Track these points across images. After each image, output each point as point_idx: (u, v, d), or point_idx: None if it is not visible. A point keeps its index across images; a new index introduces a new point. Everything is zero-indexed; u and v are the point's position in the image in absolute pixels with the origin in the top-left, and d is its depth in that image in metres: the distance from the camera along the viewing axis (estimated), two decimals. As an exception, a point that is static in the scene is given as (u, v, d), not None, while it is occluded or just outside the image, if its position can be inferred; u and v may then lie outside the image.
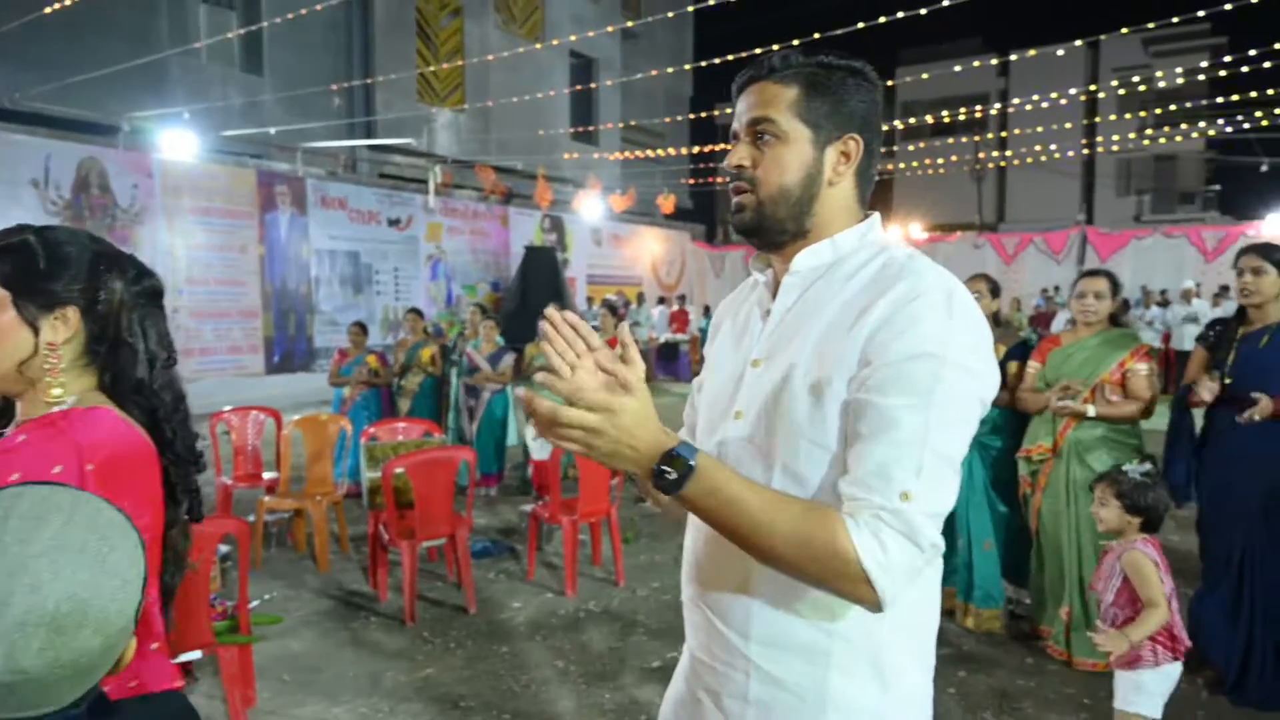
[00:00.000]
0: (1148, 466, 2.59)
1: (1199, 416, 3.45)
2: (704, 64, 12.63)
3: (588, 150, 18.87)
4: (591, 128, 18.26)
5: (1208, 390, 3.17)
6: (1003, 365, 3.84)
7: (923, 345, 1.02)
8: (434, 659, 3.72)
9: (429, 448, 4.63)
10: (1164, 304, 12.84)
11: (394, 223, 13.50)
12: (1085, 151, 23.70)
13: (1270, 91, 14.41)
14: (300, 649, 3.84)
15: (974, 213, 26.21)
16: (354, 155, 14.30)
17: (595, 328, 7.20)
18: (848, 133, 1.17)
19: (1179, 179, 27.88)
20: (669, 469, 0.98)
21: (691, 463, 0.98)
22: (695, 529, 1.24)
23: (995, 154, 24.07)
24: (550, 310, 1.07)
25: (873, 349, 1.05)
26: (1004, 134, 23.99)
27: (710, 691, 1.20)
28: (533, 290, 12.56)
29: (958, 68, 15.79)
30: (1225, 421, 3.19)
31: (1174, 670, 2.47)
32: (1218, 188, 28.18)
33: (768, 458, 1.12)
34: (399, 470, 4.12)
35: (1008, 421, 3.84)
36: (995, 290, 3.99)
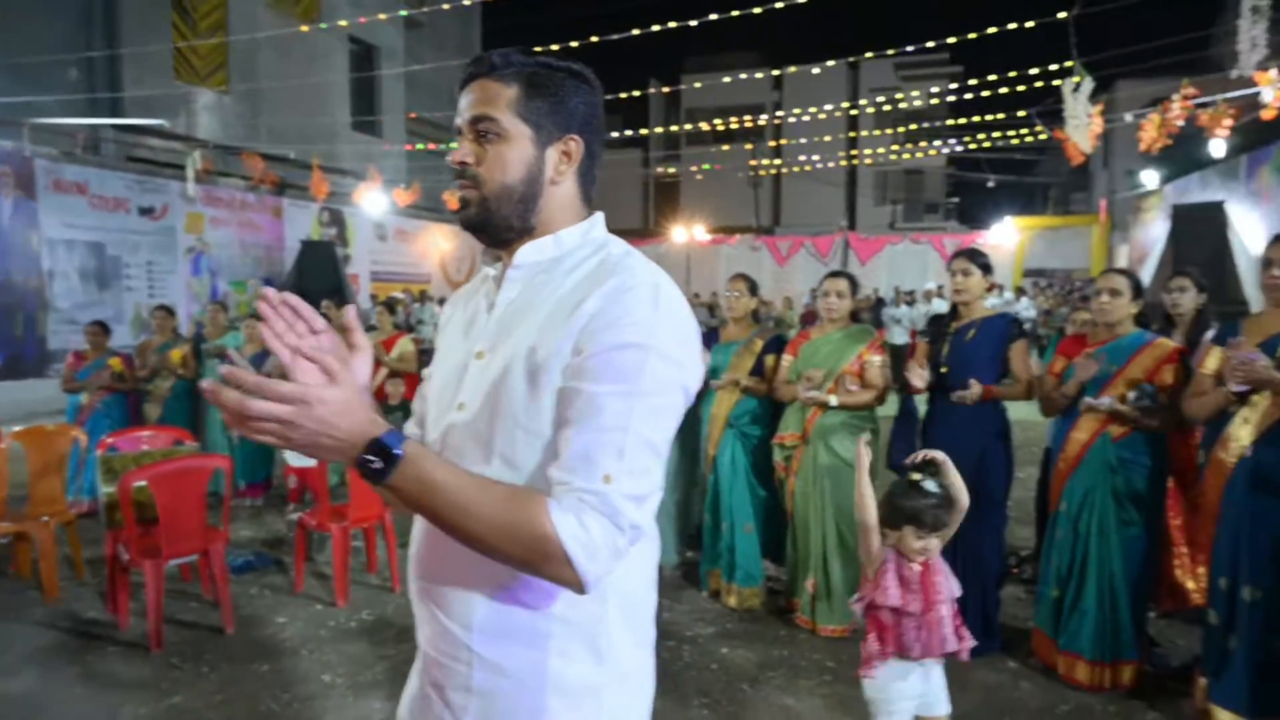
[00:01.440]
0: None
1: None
2: (490, 58, 12.45)
3: (369, 141, 18.08)
4: (373, 118, 17.51)
5: (918, 378, 3.58)
6: (761, 359, 4.12)
7: (630, 336, 1.08)
8: (182, 686, 3.42)
9: (178, 456, 4.25)
10: (911, 303, 14.28)
11: (146, 211, 12.23)
12: (848, 163, 25.85)
13: (995, 117, 16.46)
14: (20, 690, 3.40)
15: (752, 216, 27.82)
16: (96, 135, 12.79)
17: (371, 327, 6.93)
18: (568, 133, 1.21)
19: (925, 191, 31.12)
20: (374, 458, 0.97)
21: (397, 451, 0.97)
22: (419, 522, 1.24)
23: (770, 162, 25.67)
24: (266, 290, 1.04)
25: (584, 338, 1.09)
26: (778, 143, 25.62)
27: (436, 685, 1.21)
28: (310, 287, 11.84)
29: (727, 79, 16.63)
30: (944, 404, 3.62)
31: (890, 678, 2.38)
32: (956, 200, 31.78)
33: (487, 447, 1.14)
34: (139, 483, 3.75)
35: (766, 411, 4.12)
36: (753, 289, 4.27)
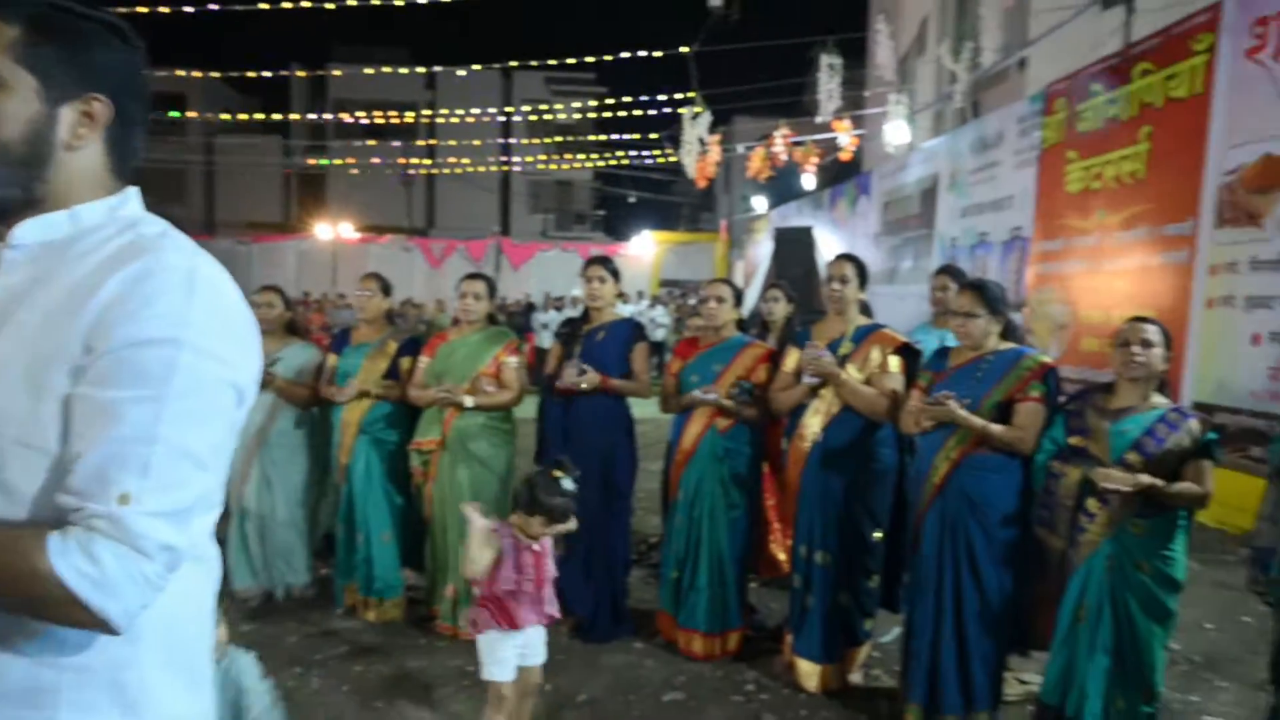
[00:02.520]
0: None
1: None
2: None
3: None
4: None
5: (571, 377, 3.68)
6: (396, 361, 3.97)
7: (154, 329, 0.93)
8: None
9: None
10: (560, 308, 14.88)
11: None
12: (502, 169, 26.24)
13: (633, 136, 17.76)
14: None
15: (405, 216, 27.08)
16: None
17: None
18: (91, 91, 1.02)
19: (575, 202, 32.65)
20: None
21: None
22: None
23: (422, 161, 25.19)
24: None
25: (97, 334, 0.92)
26: (431, 143, 25.23)
27: None
28: None
29: (369, 70, 16.05)
30: (578, 404, 3.78)
31: (497, 638, 2.69)
32: (603, 213, 33.78)
33: None
34: None
35: (402, 415, 3.98)
36: (386, 288, 4.11)
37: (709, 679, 3.51)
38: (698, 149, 11.93)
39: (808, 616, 3.38)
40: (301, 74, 21.95)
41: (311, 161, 26.15)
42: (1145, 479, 2.54)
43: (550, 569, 2.75)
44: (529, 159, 26.00)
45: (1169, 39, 6.60)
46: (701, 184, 12.91)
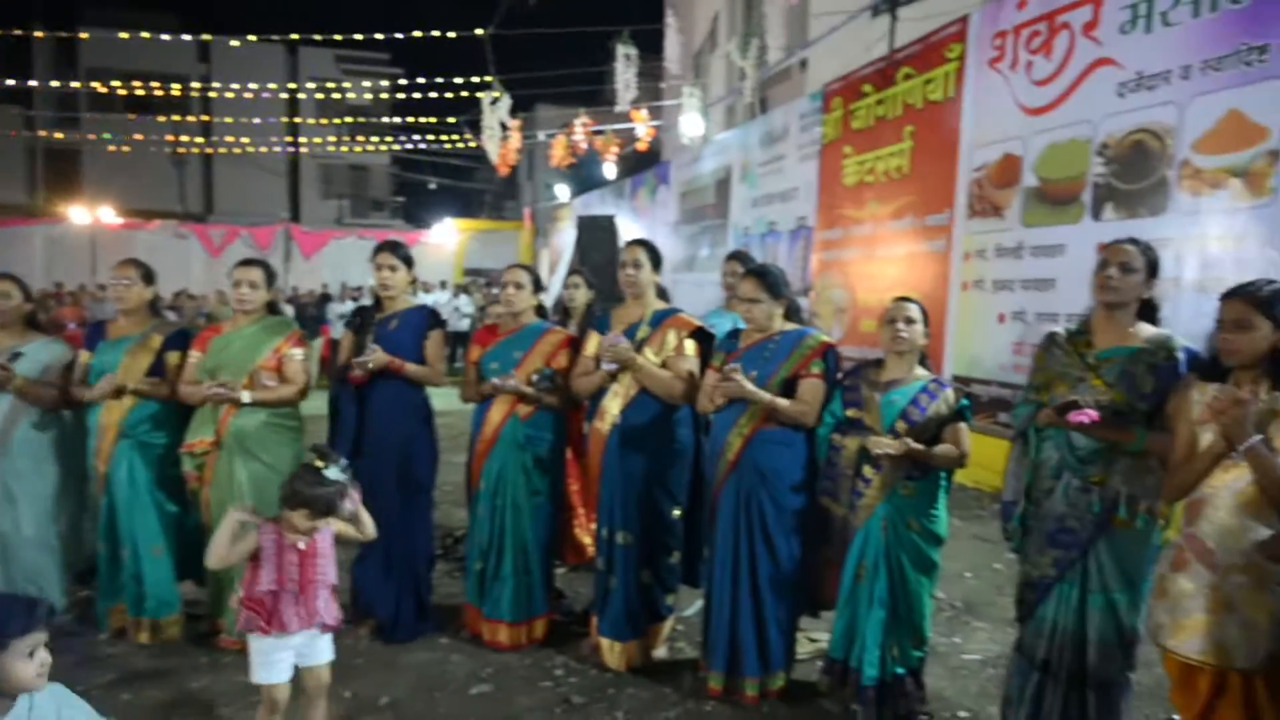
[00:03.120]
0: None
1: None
2: None
3: None
4: None
5: (362, 367, 3.49)
6: (161, 356, 3.61)
7: None
8: None
9: None
10: (356, 298, 14.19)
11: None
12: (288, 150, 24.57)
13: (431, 120, 17.20)
14: None
15: (178, 200, 24.76)
16: None
17: None
18: None
19: (371, 188, 31.24)
20: None
21: None
22: None
23: (194, 139, 23.09)
24: None
25: None
26: (206, 119, 23.17)
27: None
28: None
29: (124, 35, 14.44)
30: (373, 395, 3.60)
31: (266, 641, 2.55)
32: (402, 199, 32.55)
33: None
34: None
35: (170, 415, 3.62)
36: (148, 276, 3.69)
37: (517, 668, 3.48)
38: (499, 135, 11.76)
39: (611, 596, 3.43)
40: (41, 35, 19.36)
41: (60, 136, 23.19)
42: (912, 444, 2.79)
43: (324, 571, 2.60)
44: (318, 141, 24.52)
45: (927, 46, 7.26)
46: (504, 171, 12.75)
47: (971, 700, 3.26)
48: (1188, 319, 3.63)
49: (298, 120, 24.76)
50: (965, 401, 2.96)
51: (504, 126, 11.93)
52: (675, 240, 12.91)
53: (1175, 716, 2.65)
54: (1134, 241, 2.56)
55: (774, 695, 3.15)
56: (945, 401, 2.93)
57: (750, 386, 3.00)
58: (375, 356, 3.47)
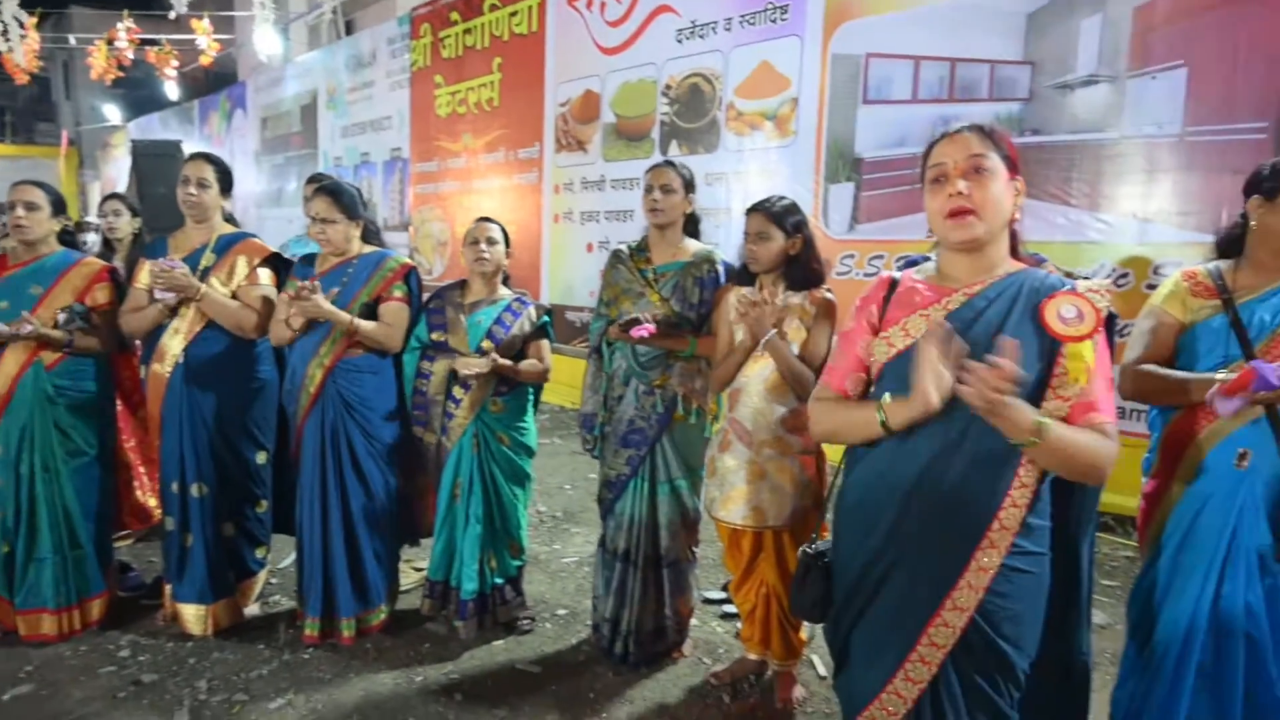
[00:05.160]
0: None
1: None
2: None
3: None
4: None
5: None
6: None
7: None
8: None
9: None
10: None
11: None
12: None
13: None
14: None
15: None
16: None
17: None
18: None
19: None
20: None
21: None
22: None
23: None
24: None
25: None
26: None
27: None
28: None
29: None
30: None
31: None
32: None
33: None
34: None
35: None
36: None
37: (69, 659, 2.96)
38: (16, 34, 9.54)
39: (189, 557, 3.05)
40: None
41: None
42: (499, 360, 2.85)
43: None
44: None
45: (509, -23, 7.30)
46: (21, 79, 10.36)
47: (570, 598, 3.50)
48: (738, 243, 4.17)
49: None
50: (547, 318, 3.08)
51: (20, 24, 9.71)
52: (258, 172, 11.72)
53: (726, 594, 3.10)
54: (669, 163, 2.82)
55: (375, 630, 3.07)
56: (528, 318, 3.02)
57: (330, 306, 2.81)
58: None
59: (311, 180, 4.10)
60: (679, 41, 5.88)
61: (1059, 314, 1.46)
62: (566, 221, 6.92)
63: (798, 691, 2.71)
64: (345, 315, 2.85)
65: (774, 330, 2.40)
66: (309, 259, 3.06)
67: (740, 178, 5.54)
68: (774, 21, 5.27)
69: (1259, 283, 1.96)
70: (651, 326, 2.64)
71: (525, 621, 3.17)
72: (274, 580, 3.56)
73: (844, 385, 1.67)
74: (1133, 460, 2.17)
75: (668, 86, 5.99)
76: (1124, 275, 3.93)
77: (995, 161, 1.51)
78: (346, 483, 2.94)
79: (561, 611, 3.37)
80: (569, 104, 6.80)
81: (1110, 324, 1.57)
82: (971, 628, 1.49)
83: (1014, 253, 1.61)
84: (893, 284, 1.65)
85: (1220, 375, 1.84)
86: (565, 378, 4.95)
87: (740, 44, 5.48)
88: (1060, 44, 4.10)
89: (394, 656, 2.96)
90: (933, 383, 1.41)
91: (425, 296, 3.11)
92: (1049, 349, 1.47)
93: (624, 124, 6.36)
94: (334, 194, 2.91)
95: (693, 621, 3.10)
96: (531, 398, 3.10)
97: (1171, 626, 1.94)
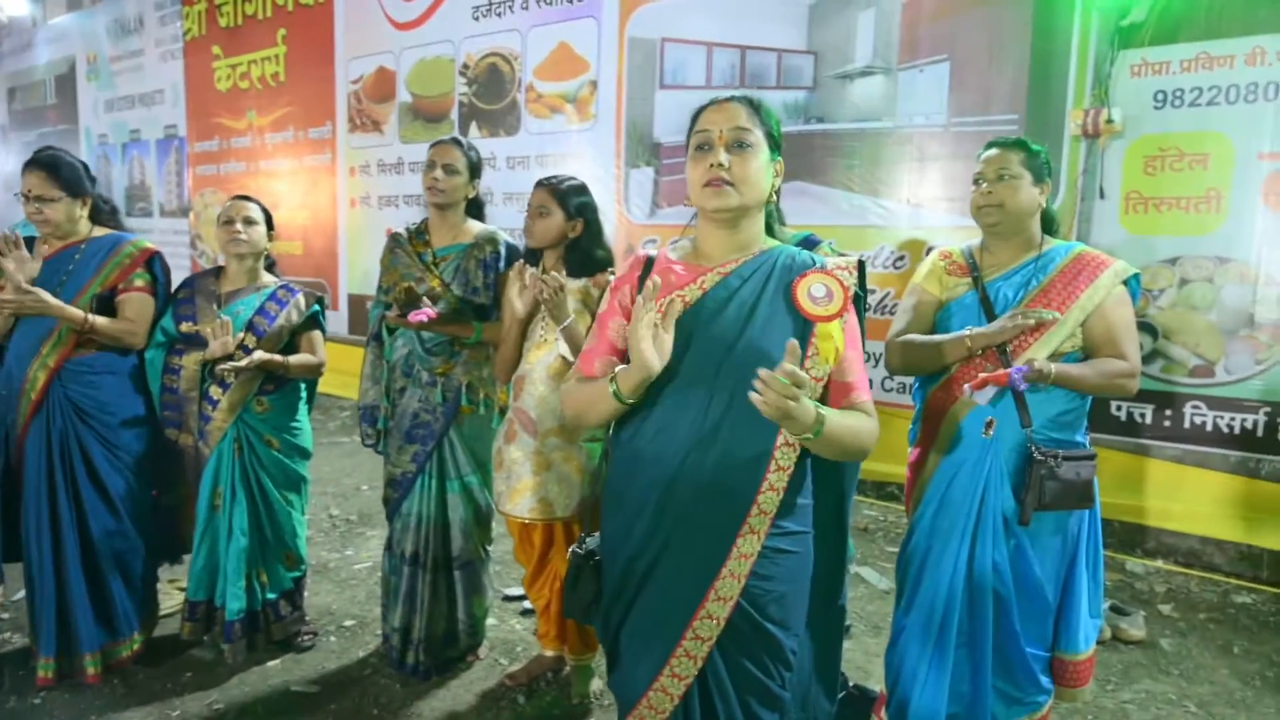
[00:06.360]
0: None
1: None
2: None
3: None
4: None
5: None
6: None
7: None
8: None
9: None
10: None
11: None
12: None
13: None
14: None
15: None
16: None
17: None
18: None
19: None
20: None
21: None
22: None
23: None
24: None
25: None
26: None
27: None
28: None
29: None
30: None
31: None
32: None
33: None
34: None
35: None
36: None
37: None
38: None
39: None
40: None
41: None
42: (264, 356, 2.58)
43: None
44: None
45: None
46: None
47: (360, 607, 3.27)
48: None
49: None
50: (317, 307, 2.83)
51: None
52: (5, 149, 10.34)
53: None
54: (456, 141, 2.66)
55: (126, 662, 2.71)
56: (296, 307, 2.76)
57: (51, 300, 2.44)
58: None
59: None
60: (475, 19, 5.66)
61: (809, 293, 1.45)
62: (364, 206, 6.52)
63: (595, 685, 2.65)
64: (77, 311, 2.49)
65: (572, 317, 2.30)
66: (29, 243, 2.64)
67: (542, 161, 5.42)
68: (571, 1, 5.17)
69: (1003, 260, 2.09)
70: (431, 311, 2.48)
71: (306, 637, 2.92)
72: (4, 615, 3.09)
73: (594, 369, 1.60)
74: (906, 431, 2.26)
75: (465, 66, 5.76)
76: (901, 258, 4.15)
77: (758, 138, 1.49)
78: (84, 499, 2.57)
79: (349, 622, 3.14)
80: (361, 81, 6.40)
81: (858, 302, 1.58)
82: (737, 613, 1.46)
83: (769, 231, 1.60)
84: (648, 263, 1.59)
85: (983, 375, 1.92)
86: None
87: (538, 24, 5.35)
88: (840, 35, 4.27)
89: (147, 690, 2.63)
90: (650, 346, 1.41)
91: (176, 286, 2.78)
92: (803, 327, 1.46)
93: (421, 103, 6.06)
94: (50, 167, 2.53)
95: (490, 621, 2.97)
96: (304, 395, 2.85)
97: (933, 589, 2.02)
